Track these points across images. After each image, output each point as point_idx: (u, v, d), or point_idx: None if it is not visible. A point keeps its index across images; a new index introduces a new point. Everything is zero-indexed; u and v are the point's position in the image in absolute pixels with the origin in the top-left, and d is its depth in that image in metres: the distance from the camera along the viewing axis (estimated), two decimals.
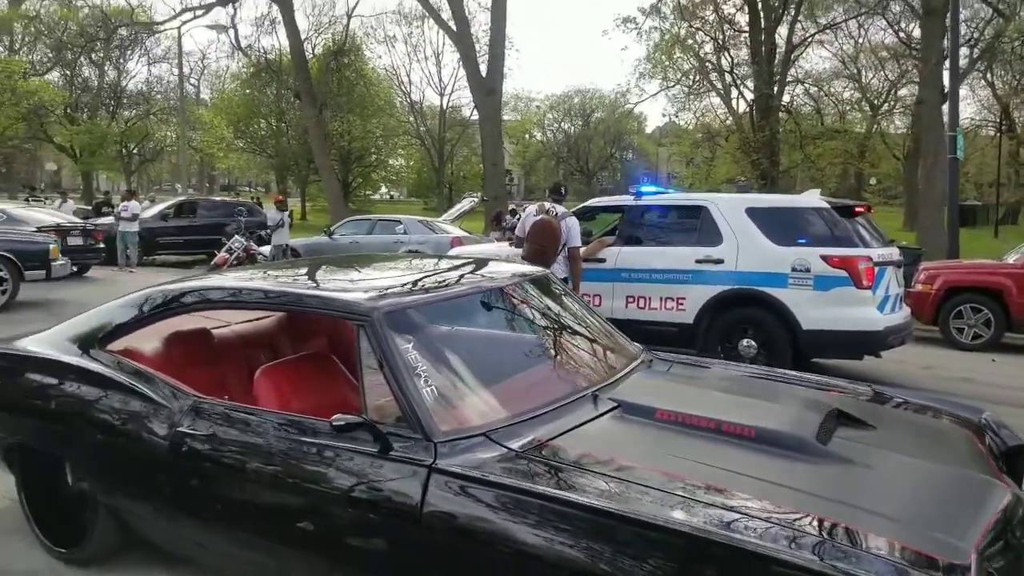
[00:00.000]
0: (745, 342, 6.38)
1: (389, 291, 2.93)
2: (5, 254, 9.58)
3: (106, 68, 37.71)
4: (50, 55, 36.52)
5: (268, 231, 14.34)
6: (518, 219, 8.22)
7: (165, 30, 31.55)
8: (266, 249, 14.64)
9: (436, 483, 2.29)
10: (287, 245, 14.26)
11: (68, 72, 36.62)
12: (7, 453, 3.50)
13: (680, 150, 32.62)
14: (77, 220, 14.77)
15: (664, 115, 55.69)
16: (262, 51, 36.44)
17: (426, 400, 2.48)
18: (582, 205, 7.82)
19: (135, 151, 37.64)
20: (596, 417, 2.64)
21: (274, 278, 3.48)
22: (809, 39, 27.89)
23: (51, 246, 10.16)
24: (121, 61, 38.52)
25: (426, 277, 3.48)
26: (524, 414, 2.58)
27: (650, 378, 3.12)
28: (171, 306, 3.27)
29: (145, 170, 43.27)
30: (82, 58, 35.91)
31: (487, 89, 21.91)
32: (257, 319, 4.20)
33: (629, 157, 58.73)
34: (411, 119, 41.96)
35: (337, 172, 31.83)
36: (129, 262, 14.79)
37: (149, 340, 3.48)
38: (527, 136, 53.45)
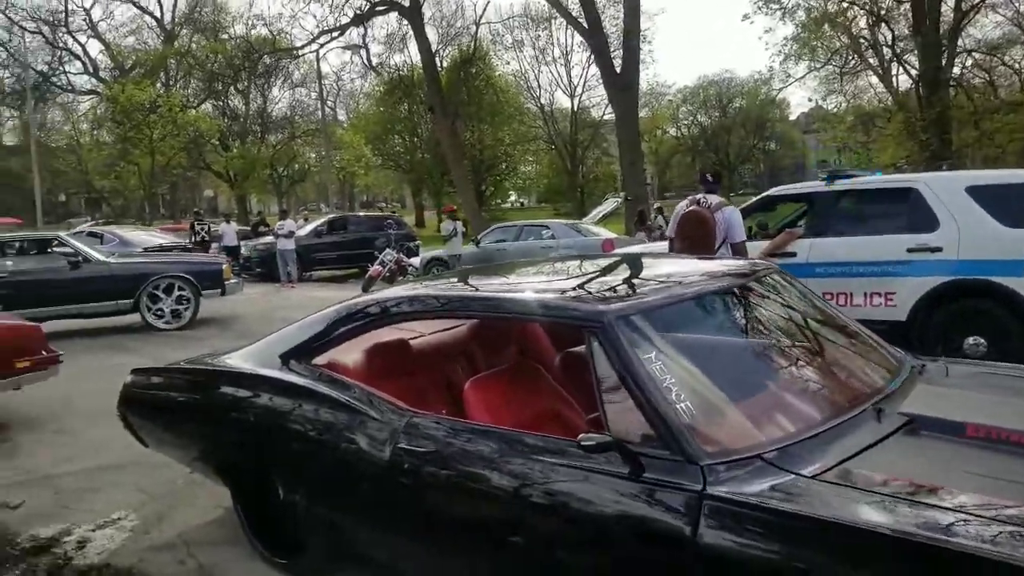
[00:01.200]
0: (972, 339, 5.63)
1: (620, 293, 2.66)
2: (186, 275, 10.24)
3: (251, 96, 40.44)
4: (202, 87, 39.60)
5: (415, 244, 14.50)
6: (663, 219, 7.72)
7: (304, 54, 33.36)
8: (416, 261, 14.95)
9: (712, 513, 1.99)
10: (460, 255, 14.25)
11: (219, 103, 39.58)
12: (220, 466, 3.54)
13: (832, 136, 30.61)
14: (178, 241, 16.62)
15: (810, 100, 52.84)
16: (394, 68, 37.83)
17: (682, 417, 2.18)
18: (763, 195, 7.27)
19: (284, 173, 40.04)
20: (890, 434, 2.24)
21: (477, 286, 3.32)
22: (980, 4, 25.38)
23: (224, 266, 10.78)
24: (265, 88, 41.25)
25: (641, 278, 3.20)
26: (801, 433, 2.23)
27: (936, 386, 2.67)
28: (378, 317, 3.17)
29: (294, 191, 45.94)
30: (230, 88, 38.71)
31: (623, 85, 21.49)
32: (446, 329, 4.07)
33: (772, 147, 56.15)
34: (541, 123, 42.08)
35: (471, 182, 32.33)
36: (290, 278, 15.54)
37: (350, 353, 3.40)
38: (660, 132, 52.23)
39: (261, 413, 3.26)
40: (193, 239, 18.18)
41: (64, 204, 49.59)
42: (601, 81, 27.64)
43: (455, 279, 3.76)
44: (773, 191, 7.40)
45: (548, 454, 2.36)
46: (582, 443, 2.17)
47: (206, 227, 18.94)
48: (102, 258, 10.11)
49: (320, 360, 3.27)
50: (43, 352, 5.73)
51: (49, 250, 10.10)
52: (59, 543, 3.70)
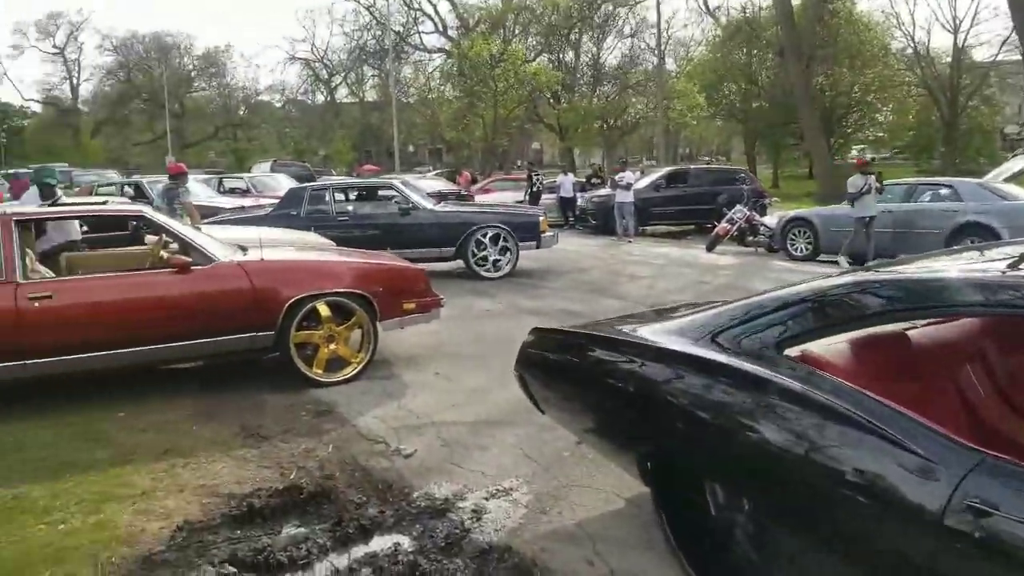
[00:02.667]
0: None
1: None
2: (503, 226, 10.31)
3: (583, 48, 41.02)
4: (539, 41, 41.06)
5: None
6: None
7: (641, 1, 32.71)
8: (769, 220, 13.60)
9: None
10: (870, 217, 11.19)
11: (552, 56, 40.78)
12: (642, 459, 2.96)
13: None
14: (453, 188, 16.92)
15: None
16: (739, 10, 35.56)
17: None
18: None
19: (615, 125, 40.23)
20: None
21: None
22: None
23: (541, 218, 10.66)
24: (600, 39, 41.56)
25: None
26: None
27: None
28: (916, 305, 2.29)
29: (623, 143, 46.18)
30: (565, 41, 39.61)
31: None
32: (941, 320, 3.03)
33: None
34: (908, 66, 36.67)
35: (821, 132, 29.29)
36: (627, 231, 15.20)
37: (836, 345, 2.56)
38: None
39: (699, 406, 2.58)
40: (530, 190, 18.71)
41: (414, 154, 55.58)
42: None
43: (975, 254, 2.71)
44: None
45: None
46: None
47: (541, 179, 19.42)
48: (429, 206, 10.54)
49: (793, 352, 2.48)
50: (427, 295, 5.80)
51: (383, 197, 10.93)
52: (454, 508, 3.46)
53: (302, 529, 3.36)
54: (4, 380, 4.68)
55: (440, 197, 13.46)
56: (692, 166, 22.34)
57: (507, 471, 3.84)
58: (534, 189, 18.53)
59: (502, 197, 18.71)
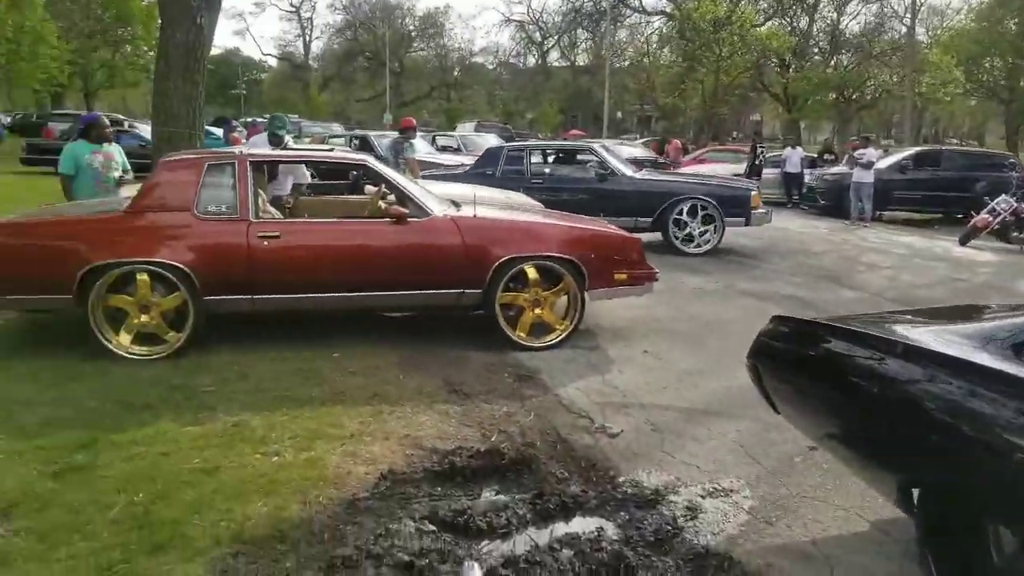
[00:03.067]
0: None
1: None
2: (708, 198, 9.66)
3: (819, 14, 38.07)
4: (771, 4, 38.62)
5: None
6: None
7: None
8: None
9: None
10: None
11: (784, 20, 38.24)
12: (904, 484, 2.54)
13: None
14: (650, 155, 16.00)
15: None
16: None
17: None
18: None
19: (852, 97, 37.21)
20: None
21: None
22: None
23: (752, 192, 9.86)
24: (841, 2, 38.40)
25: None
26: None
27: None
28: None
29: (858, 119, 42.69)
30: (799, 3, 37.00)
31: None
32: None
33: None
34: None
35: None
36: (863, 214, 13.92)
37: None
38: None
39: (994, 434, 2.13)
40: (752, 163, 17.67)
41: (622, 121, 54.92)
42: None
43: None
44: None
45: None
46: None
47: (764, 152, 18.28)
48: (628, 173, 10.14)
49: None
50: (642, 266, 5.55)
51: (581, 160, 10.66)
52: (665, 501, 3.22)
53: (502, 496, 3.28)
54: (234, 312, 5.05)
55: (637, 165, 13.03)
56: (944, 147, 20.01)
57: (726, 469, 3.53)
58: (757, 162, 17.48)
59: (717, 169, 17.84)
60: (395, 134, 13.02)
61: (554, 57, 54.94)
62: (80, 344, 4.85)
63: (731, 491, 3.31)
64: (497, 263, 5.13)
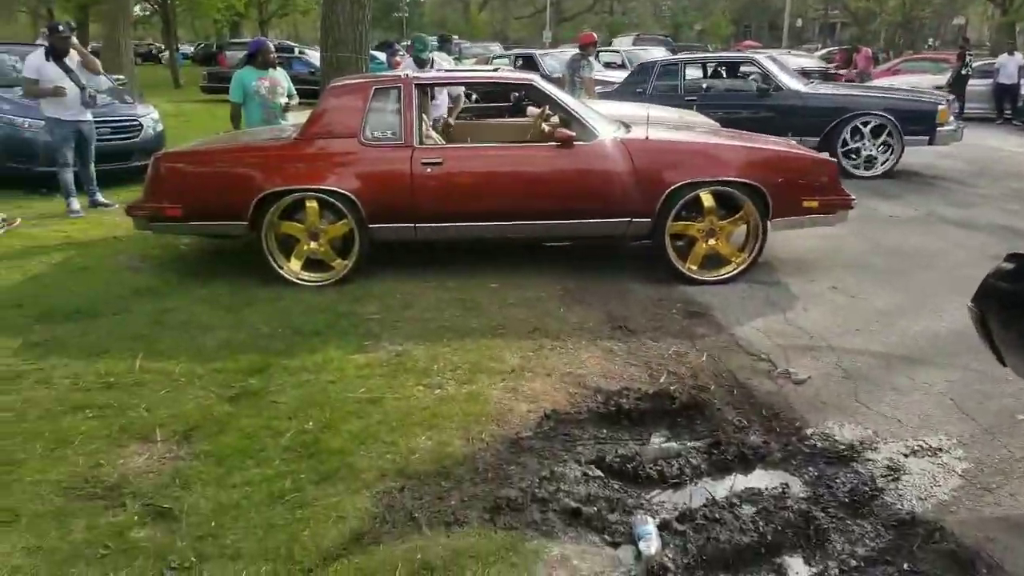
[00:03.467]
0: None
1: None
2: (885, 113, 8.70)
3: None
4: None
5: None
6: None
7: None
8: None
9: None
10: None
11: None
12: None
13: None
14: (821, 66, 16.06)
15: None
16: None
17: None
18: None
19: None
20: None
21: None
22: None
23: (940, 107, 8.73)
24: None
25: None
26: None
27: None
28: None
29: None
30: None
31: None
32: None
33: None
34: None
35: None
36: None
37: None
38: None
39: None
40: (957, 73, 15.85)
41: (802, 30, 51.00)
42: None
43: None
44: None
45: None
46: None
47: (971, 60, 16.29)
48: (794, 87, 9.36)
49: None
50: (835, 192, 5.06)
51: (742, 74, 10.11)
52: (860, 459, 2.93)
53: (673, 444, 3.12)
54: (398, 241, 5.11)
55: (804, 76, 11.99)
56: None
57: (933, 425, 3.17)
58: (963, 72, 15.64)
59: (914, 81, 16.14)
60: (554, 51, 12.63)
61: None
62: (253, 270, 5.09)
63: (940, 450, 2.96)
64: (669, 189, 4.84)
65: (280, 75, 6.84)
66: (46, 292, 4.88)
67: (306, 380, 3.59)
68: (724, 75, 10.59)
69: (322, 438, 3.05)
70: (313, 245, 5.00)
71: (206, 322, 4.38)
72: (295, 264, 5.02)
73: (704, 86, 9.94)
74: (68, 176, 6.97)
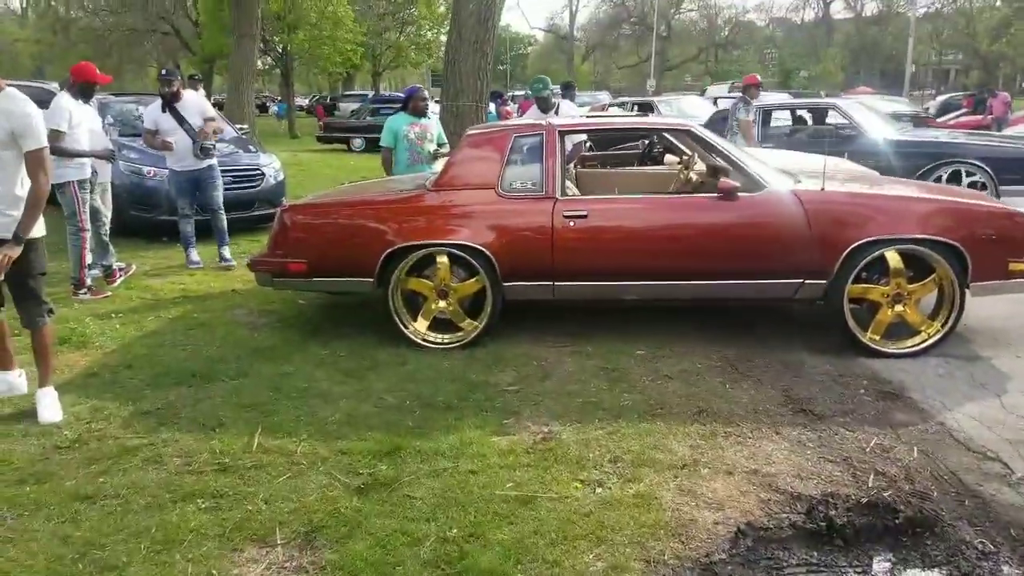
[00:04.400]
0: None
1: None
2: (979, 162, 7.98)
3: None
4: None
5: None
6: None
7: None
8: None
9: None
10: None
11: None
12: None
13: None
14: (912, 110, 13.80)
15: None
16: None
17: None
18: None
19: None
20: None
21: None
22: None
23: None
24: None
25: None
26: None
27: None
28: None
29: None
30: None
31: None
32: None
33: None
34: None
35: None
36: None
37: None
38: None
39: None
40: None
41: (914, 75, 48.82)
42: None
43: None
44: None
45: None
46: None
47: None
48: (877, 133, 8.65)
49: None
50: None
51: (823, 120, 9.70)
52: None
53: (908, 573, 2.41)
54: (533, 300, 4.58)
55: (896, 120, 11.17)
56: None
57: None
58: None
59: None
60: (671, 97, 12.07)
61: (837, 8, 50.19)
62: (373, 327, 4.66)
63: None
64: (851, 247, 4.14)
65: (431, 122, 6.59)
66: (160, 351, 4.56)
67: (443, 468, 3.06)
68: (805, 121, 10.13)
69: (469, 551, 2.49)
70: (442, 304, 4.53)
71: (327, 389, 3.94)
72: (422, 324, 4.56)
73: (783, 133, 9.46)
74: (187, 227, 6.81)
